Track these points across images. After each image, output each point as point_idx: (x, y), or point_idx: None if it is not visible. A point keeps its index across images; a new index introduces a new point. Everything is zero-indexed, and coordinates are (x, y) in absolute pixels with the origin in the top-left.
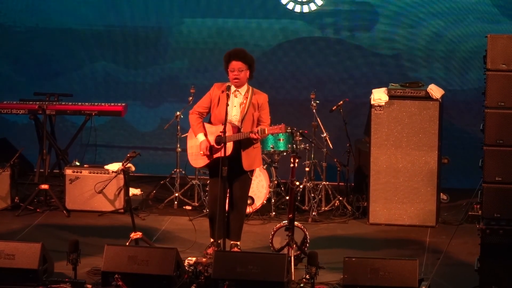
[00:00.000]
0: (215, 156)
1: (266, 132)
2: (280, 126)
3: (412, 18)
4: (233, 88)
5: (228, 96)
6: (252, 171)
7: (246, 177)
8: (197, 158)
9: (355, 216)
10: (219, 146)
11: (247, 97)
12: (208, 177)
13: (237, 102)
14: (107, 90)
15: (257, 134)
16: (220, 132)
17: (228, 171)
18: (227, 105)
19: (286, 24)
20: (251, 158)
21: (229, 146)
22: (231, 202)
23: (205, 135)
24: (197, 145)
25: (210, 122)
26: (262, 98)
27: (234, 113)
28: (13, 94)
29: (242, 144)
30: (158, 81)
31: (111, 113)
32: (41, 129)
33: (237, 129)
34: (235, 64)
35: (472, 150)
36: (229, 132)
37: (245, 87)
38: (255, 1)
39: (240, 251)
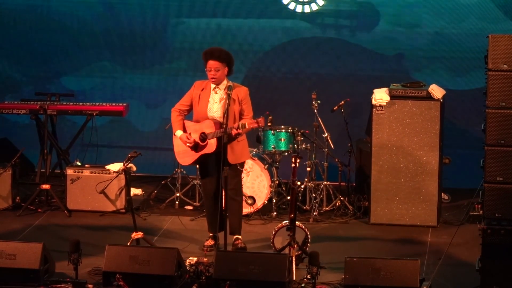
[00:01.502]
0: (200, 153)
1: (247, 126)
2: (259, 119)
3: (413, 18)
4: (213, 85)
5: (229, 96)
6: (242, 164)
7: (235, 169)
8: (184, 156)
9: (356, 216)
10: (204, 143)
11: (226, 92)
12: None
13: (217, 98)
14: (108, 90)
15: (238, 130)
16: (222, 131)
17: (216, 167)
18: (228, 104)
19: (287, 24)
20: (237, 152)
21: (213, 142)
22: (226, 196)
23: (184, 131)
24: (182, 143)
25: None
26: (243, 92)
27: (215, 109)
28: (14, 94)
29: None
30: (159, 81)
31: (112, 113)
32: (42, 129)
33: (219, 125)
34: (212, 64)
35: (474, 150)
36: (211, 129)
37: (224, 82)
38: (255, 1)
39: (241, 251)
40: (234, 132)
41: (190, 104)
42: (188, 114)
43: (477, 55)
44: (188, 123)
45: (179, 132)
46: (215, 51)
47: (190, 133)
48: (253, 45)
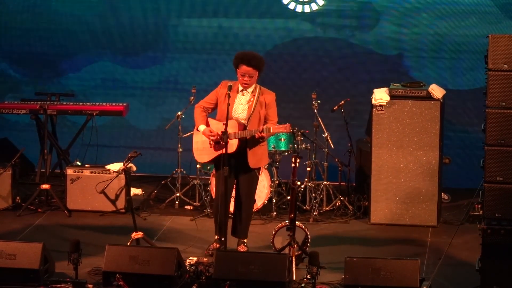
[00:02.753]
0: (219, 152)
1: (272, 131)
2: (285, 125)
3: (413, 18)
4: (240, 87)
5: (229, 96)
6: (259, 169)
7: (252, 175)
8: (202, 153)
9: (356, 216)
10: (223, 143)
11: (254, 95)
12: (209, 177)
13: (244, 100)
14: (108, 90)
15: (262, 133)
16: (245, 133)
17: (235, 169)
18: (228, 104)
19: (287, 24)
20: (258, 156)
21: (234, 143)
22: (238, 200)
23: (207, 125)
24: (202, 140)
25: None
26: (270, 97)
27: (240, 111)
28: (14, 94)
29: (249, 142)
30: (159, 81)
31: (112, 113)
32: (42, 129)
33: (243, 127)
34: (247, 70)
35: (473, 150)
36: (234, 129)
37: (252, 86)
38: (256, 1)
39: (242, 251)
40: (258, 135)
41: (215, 103)
42: (212, 112)
43: (477, 55)
44: (211, 121)
45: (202, 127)
46: (253, 59)
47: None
48: (254, 45)
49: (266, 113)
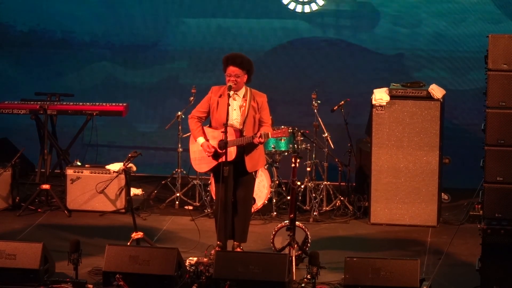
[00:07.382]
0: (219, 161)
1: (270, 136)
2: (283, 129)
3: (413, 18)
4: (231, 92)
5: (229, 96)
6: (255, 171)
7: (250, 178)
8: (200, 162)
9: (356, 216)
10: (222, 151)
11: (246, 100)
12: (209, 177)
13: (236, 105)
14: (108, 90)
15: (260, 139)
16: (222, 131)
17: (232, 174)
18: (228, 105)
19: (287, 24)
20: (255, 159)
21: (233, 150)
22: (236, 204)
23: (206, 138)
24: (199, 149)
25: (210, 126)
26: (261, 99)
27: (235, 117)
28: (14, 94)
29: (246, 147)
30: (159, 81)
31: (112, 113)
32: (42, 129)
33: (239, 133)
34: (232, 70)
35: (473, 150)
36: (231, 136)
37: (243, 89)
38: (255, 1)
39: (241, 251)
40: (256, 140)
41: (208, 111)
42: (206, 120)
43: (477, 55)
44: (206, 130)
45: (201, 139)
46: (237, 58)
47: (208, 141)
48: (254, 45)
49: (260, 116)
